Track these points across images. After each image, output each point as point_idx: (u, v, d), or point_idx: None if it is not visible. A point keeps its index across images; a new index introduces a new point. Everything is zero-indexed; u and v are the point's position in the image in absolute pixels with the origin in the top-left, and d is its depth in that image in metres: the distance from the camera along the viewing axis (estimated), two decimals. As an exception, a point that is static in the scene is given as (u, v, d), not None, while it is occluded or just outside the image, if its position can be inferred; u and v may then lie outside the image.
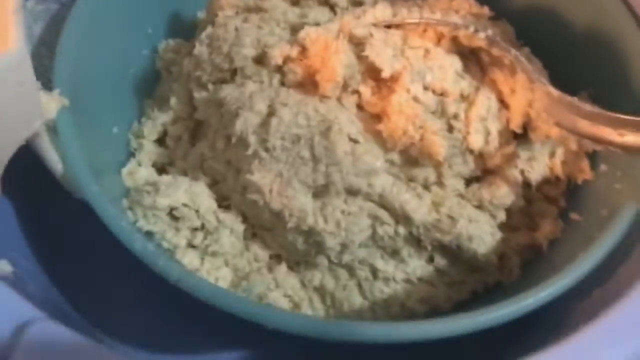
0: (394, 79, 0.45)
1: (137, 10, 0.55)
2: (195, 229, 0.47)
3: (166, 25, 0.58)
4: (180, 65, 0.55)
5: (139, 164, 0.52)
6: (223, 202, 0.48)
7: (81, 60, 0.49)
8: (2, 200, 0.46)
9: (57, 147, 0.43)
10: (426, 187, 0.48)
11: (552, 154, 0.49)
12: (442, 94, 0.45)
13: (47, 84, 0.53)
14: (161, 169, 0.53)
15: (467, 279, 0.49)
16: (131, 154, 0.53)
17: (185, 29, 0.59)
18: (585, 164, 0.49)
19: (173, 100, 0.53)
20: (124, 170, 0.50)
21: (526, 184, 0.49)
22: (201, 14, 0.59)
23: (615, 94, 0.51)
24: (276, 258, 0.49)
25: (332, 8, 0.52)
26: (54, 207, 0.46)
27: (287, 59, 0.47)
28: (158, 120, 0.53)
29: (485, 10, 0.52)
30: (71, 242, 0.49)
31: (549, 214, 0.50)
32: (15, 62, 0.35)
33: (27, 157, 0.42)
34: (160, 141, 0.54)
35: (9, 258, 0.40)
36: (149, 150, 0.53)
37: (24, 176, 0.43)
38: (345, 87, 0.46)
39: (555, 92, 0.43)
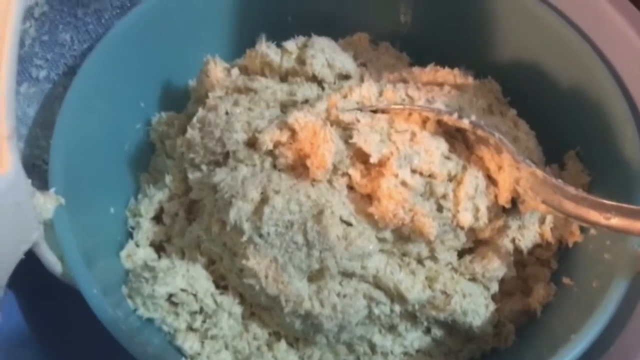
0: (382, 163, 0.46)
1: (130, 86, 0.56)
2: (194, 313, 0.48)
3: (158, 97, 0.59)
4: (173, 138, 0.56)
5: (137, 245, 0.53)
6: (221, 282, 0.49)
7: (76, 150, 0.49)
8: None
9: (55, 247, 0.44)
10: (420, 261, 0.49)
11: (542, 221, 0.50)
12: (430, 176, 0.46)
13: (43, 166, 0.55)
14: (159, 247, 0.54)
15: (464, 347, 0.50)
16: (129, 233, 0.54)
17: (177, 99, 0.60)
18: (575, 227, 0.50)
19: (168, 179, 0.54)
20: (123, 253, 0.51)
21: (518, 251, 0.50)
22: (192, 83, 0.59)
23: (601, 154, 0.52)
24: (275, 335, 0.50)
25: (320, 84, 0.53)
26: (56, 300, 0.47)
27: (277, 144, 0.48)
28: (154, 198, 0.54)
29: (470, 80, 0.53)
30: (76, 334, 0.50)
31: (541, 277, 0.51)
32: (11, 185, 0.36)
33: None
34: (157, 218, 0.55)
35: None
36: (146, 229, 0.53)
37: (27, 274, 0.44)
38: (335, 170, 0.47)
39: (540, 173, 0.44)
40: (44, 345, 0.51)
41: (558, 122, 0.55)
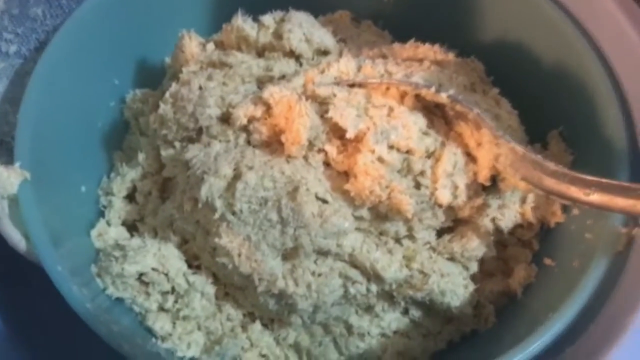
0: (359, 139, 0.44)
1: (103, 62, 0.54)
2: (165, 293, 0.46)
3: (133, 75, 0.58)
4: (147, 116, 0.55)
5: (108, 224, 0.51)
6: (193, 262, 0.48)
7: (45, 126, 0.48)
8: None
9: (20, 223, 0.42)
10: (397, 240, 0.47)
11: (523, 200, 0.49)
12: (408, 152, 0.45)
13: (12, 143, 0.53)
14: (132, 226, 0.52)
15: (443, 329, 0.49)
16: (100, 212, 0.52)
17: (152, 76, 0.58)
18: (557, 207, 0.49)
19: (141, 157, 0.52)
20: (93, 232, 0.50)
21: (498, 230, 0.49)
22: (168, 60, 0.58)
23: (585, 133, 0.50)
24: (250, 316, 0.49)
25: (298, 59, 0.52)
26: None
27: (252, 119, 0.46)
28: (127, 177, 0.53)
29: (451, 56, 0.52)
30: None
31: (522, 258, 0.50)
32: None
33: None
34: (130, 197, 0.53)
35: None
36: (118, 208, 0.52)
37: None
38: (311, 146, 0.45)
39: (519, 149, 0.43)
40: (20, 340, 0.49)
41: (541, 102, 0.54)
